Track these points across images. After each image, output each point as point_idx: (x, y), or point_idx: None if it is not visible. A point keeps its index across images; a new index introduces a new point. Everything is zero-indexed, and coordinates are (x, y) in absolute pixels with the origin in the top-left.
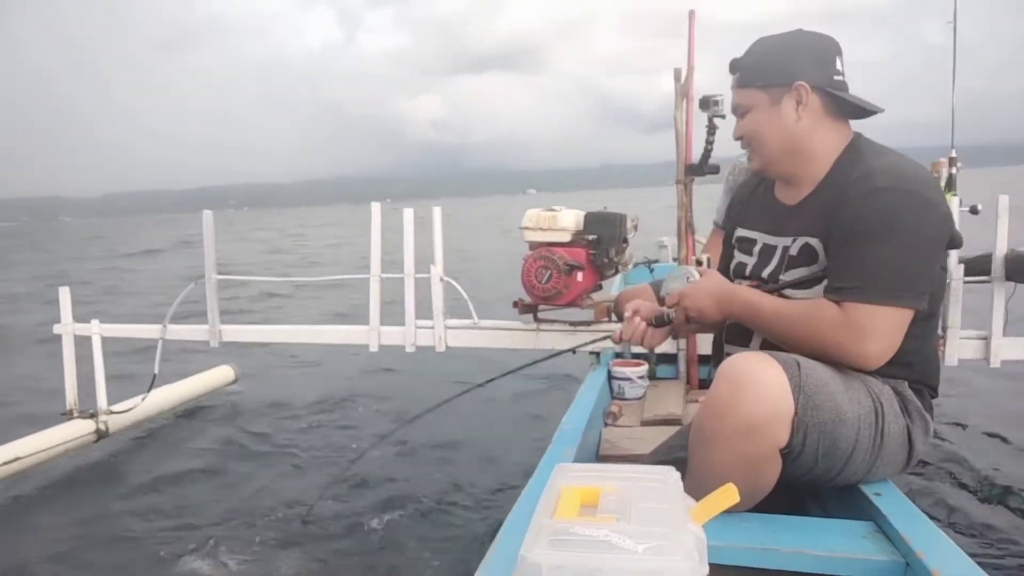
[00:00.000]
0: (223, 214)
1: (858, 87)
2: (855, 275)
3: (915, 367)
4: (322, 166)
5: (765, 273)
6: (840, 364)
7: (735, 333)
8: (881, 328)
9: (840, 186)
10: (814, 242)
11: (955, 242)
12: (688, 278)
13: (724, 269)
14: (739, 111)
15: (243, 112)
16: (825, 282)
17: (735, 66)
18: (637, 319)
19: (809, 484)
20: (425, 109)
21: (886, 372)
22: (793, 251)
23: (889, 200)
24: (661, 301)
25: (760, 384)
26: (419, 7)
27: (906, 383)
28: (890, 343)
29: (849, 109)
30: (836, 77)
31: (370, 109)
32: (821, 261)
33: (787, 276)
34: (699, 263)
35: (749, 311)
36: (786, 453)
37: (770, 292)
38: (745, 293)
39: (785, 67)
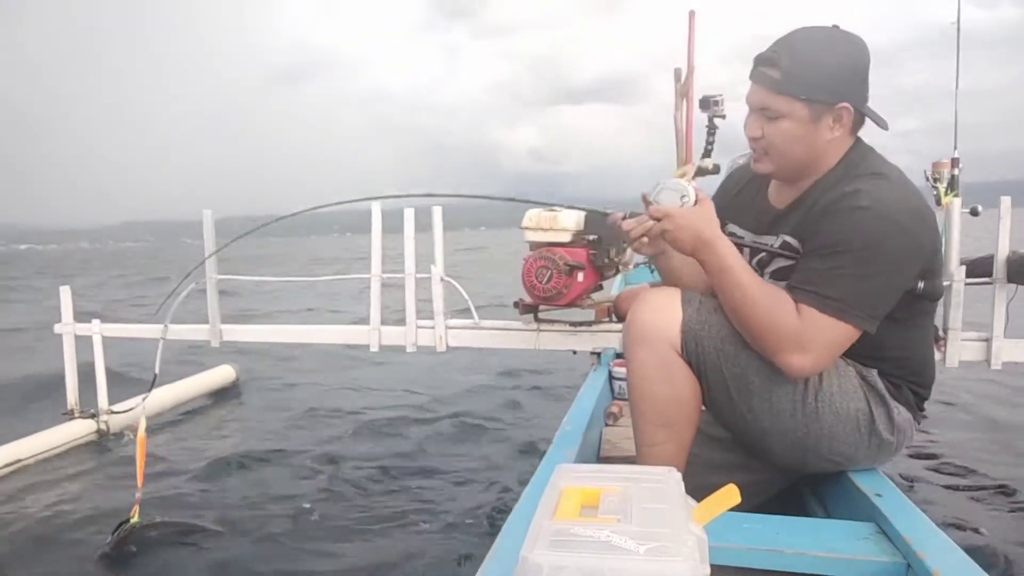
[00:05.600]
0: (328, 238)
1: (971, 116)
2: (816, 281)
3: (893, 362)
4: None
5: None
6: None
7: None
8: (821, 341)
9: (828, 196)
10: (793, 240)
11: (932, 288)
12: (683, 197)
13: None
14: (768, 113)
15: (346, 141)
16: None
17: (773, 62)
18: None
19: (762, 442)
20: (523, 139)
21: (854, 357)
22: (776, 246)
23: (869, 221)
24: (646, 203)
25: (652, 299)
26: (520, 41)
27: (876, 372)
28: (824, 358)
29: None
30: (868, 93)
31: (469, 138)
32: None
33: (770, 269)
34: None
35: (719, 268)
36: (693, 368)
37: None
38: (726, 250)
39: (833, 85)
